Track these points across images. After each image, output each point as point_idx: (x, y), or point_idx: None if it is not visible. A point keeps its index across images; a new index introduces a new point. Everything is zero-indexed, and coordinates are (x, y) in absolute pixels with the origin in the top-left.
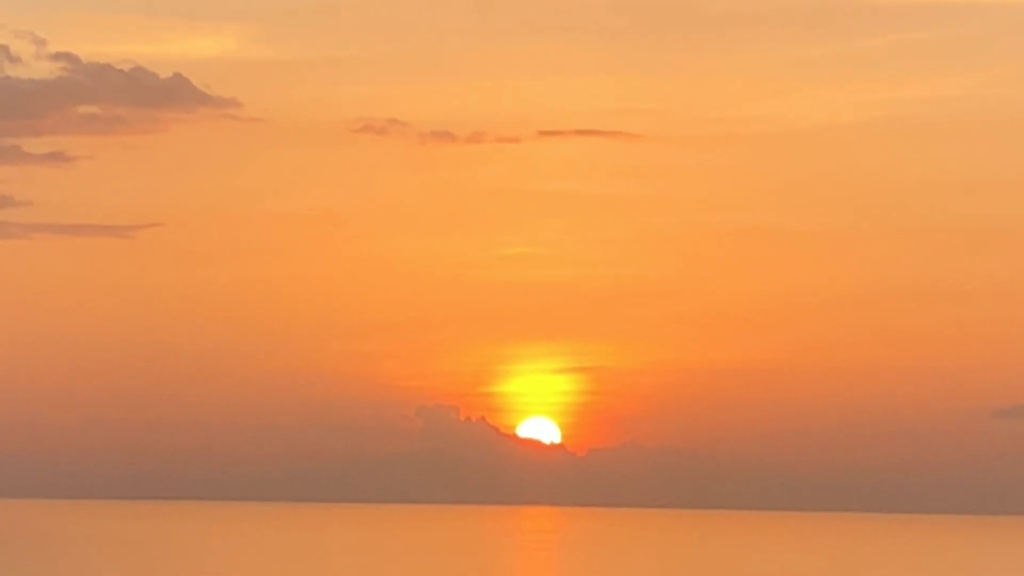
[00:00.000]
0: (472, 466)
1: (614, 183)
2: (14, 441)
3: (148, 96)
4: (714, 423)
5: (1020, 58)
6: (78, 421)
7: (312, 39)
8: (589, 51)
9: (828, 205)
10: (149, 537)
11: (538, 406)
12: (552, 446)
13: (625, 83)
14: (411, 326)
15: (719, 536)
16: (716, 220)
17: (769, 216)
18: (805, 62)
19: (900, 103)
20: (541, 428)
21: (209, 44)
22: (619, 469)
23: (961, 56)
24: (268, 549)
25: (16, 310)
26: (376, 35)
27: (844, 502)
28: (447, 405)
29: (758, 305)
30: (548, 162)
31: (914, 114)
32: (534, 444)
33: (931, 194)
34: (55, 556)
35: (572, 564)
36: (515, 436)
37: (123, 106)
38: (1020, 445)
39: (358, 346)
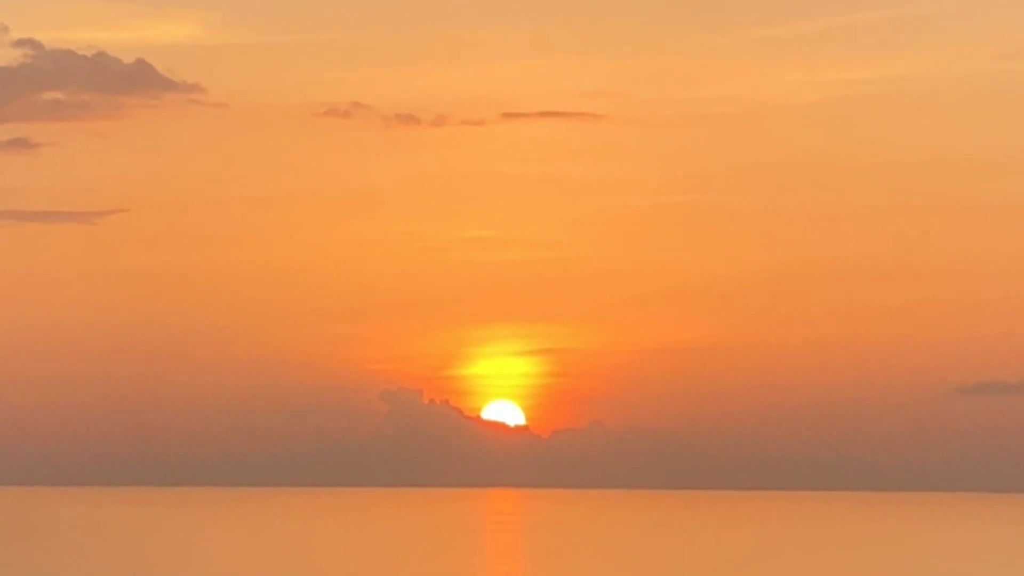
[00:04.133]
0: (437, 449)
1: (578, 165)
2: None
3: (112, 82)
4: (678, 402)
5: (975, 37)
6: (43, 408)
7: (276, 24)
8: (552, 34)
9: (789, 184)
10: (109, 523)
11: (502, 388)
12: (517, 428)
13: (588, 65)
14: (375, 309)
15: (686, 516)
16: (680, 200)
17: (732, 196)
18: (766, 42)
19: (859, 82)
20: (505, 410)
21: (172, 29)
22: (584, 450)
23: (918, 35)
24: (229, 535)
25: None
26: (340, 19)
27: (808, 480)
28: (411, 389)
29: (721, 284)
30: (512, 145)
31: (873, 93)
32: (498, 426)
33: (890, 172)
34: (28, 546)
35: (538, 546)
36: (479, 419)
37: (87, 92)
38: (983, 422)
39: (322, 330)
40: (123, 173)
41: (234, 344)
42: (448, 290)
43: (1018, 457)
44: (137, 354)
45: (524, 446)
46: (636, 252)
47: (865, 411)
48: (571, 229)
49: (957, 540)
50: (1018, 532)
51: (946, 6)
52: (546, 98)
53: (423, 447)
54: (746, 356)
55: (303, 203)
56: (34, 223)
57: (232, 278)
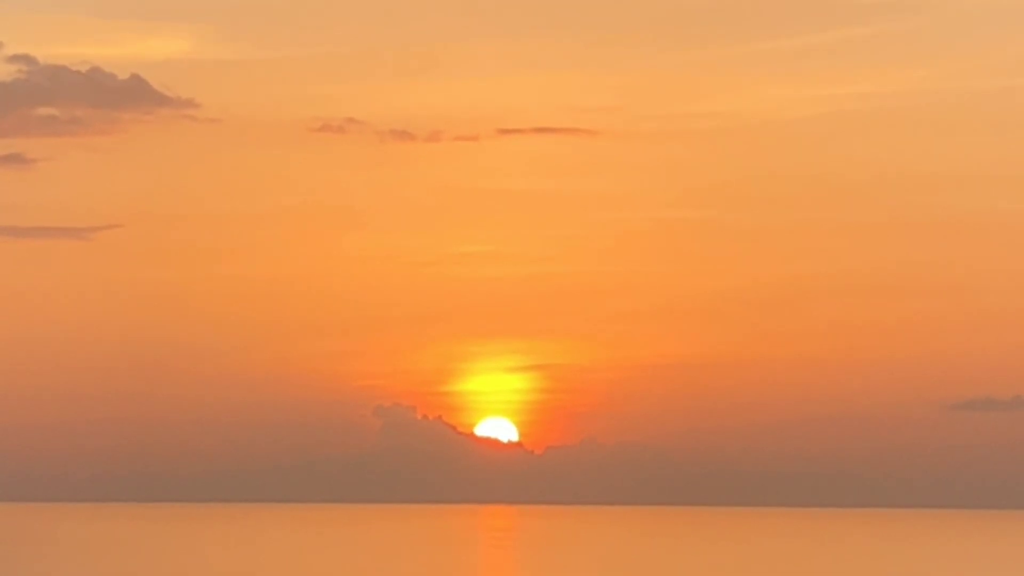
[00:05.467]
0: (430, 466)
1: (573, 180)
2: None
3: (106, 97)
4: (672, 418)
5: (968, 51)
6: (36, 423)
7: (270, 39)
8: (547, 49)
9: (783, 199)
10: (100, 540)
11: (495, 404)
12: (510, 444)
13: (583, 80)
14: (368, 324)
15: (679, 532)
16: (674, 215)
17: (725, 211)
18: (760, 57)
19: (853, 97)
20: (499, 427)
21: (166, 45)
22: (578, 466)
23: (911, 50)
24: (221, 550)
25: None
26: (334, 34)
27: (801, 496)
28: (404, 404)
29: (714, 299)
30: (507, 160)
31: (867, 108)
32: (492, 443)
33: (883, 187)
34: (20, 564)
35: (532, 562)
36: (473, 435)
37: (81, 107)
38: (976, 438)
39: (315, 345)
40: (117, 188)
41: (228, 359)
42: (442, 306)
43: (1010, 474)
44: (131, 369)
45: (517, 462)
46: (630, 267)
47: (857, 427)
48: (565, 245)
49: (949, 557)
50: (1009, 549)
51: (938, 21)
52: (541, 114)
53: (416, 463)
54: (739, 372)
55: (297, 218)
56: (28, 239)
57: (227, 293)
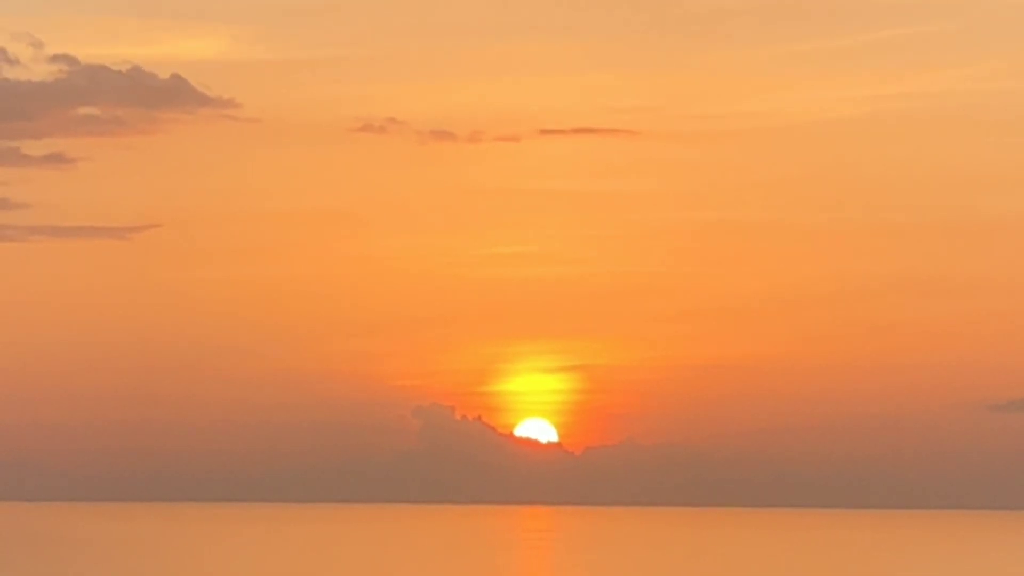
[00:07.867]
0: (469, 466)
1: (613, 181)
2: (12, 443)
3: (147, 97)
4: (711, 419)
5: (1007, 53)
6: (76, 423)
7: (310, 39)
8: (587, 49)
9: (822, 200)
10: (143, 539)
11: (535, 405)
12: (549, 445)
13: (623, 81)
14: (408, 325)
15: (719, 534)
16: (714, 216)
17: (765, 211)
18: (802, 57)
19: (891, 98)
20: (538, 427)
21: (207, 45)
22: (617, 467)
23: (949, 51)
24: (262, 550)
25: (14, 313)
26: (375, 34)
27: (841, 498)
28: (443, 405)
29: (754, 300)
30: (548, 160)
31: (904, 109)
32: (531, 443)
33: (923, 188)
34: (44, 560)
35: (571, 563)
36: (512, 435)
37: (122, 107)
38: (1015, 440)
39: (356, 345)
40: (157, 188)
41: (268, 359)
42: (482, 306)
43: None
44: (171, 369)
45: (557, 463)
46: (670, 268)
47: (897, 429)
48: (606, 245)
49: (990, 558)
50: None
51: (981, 22)
52: (582, 114)
53: (456, 464)
54: (779, 373)
55: (338, 218)
56: (68, 238)
57: (265, 293)
